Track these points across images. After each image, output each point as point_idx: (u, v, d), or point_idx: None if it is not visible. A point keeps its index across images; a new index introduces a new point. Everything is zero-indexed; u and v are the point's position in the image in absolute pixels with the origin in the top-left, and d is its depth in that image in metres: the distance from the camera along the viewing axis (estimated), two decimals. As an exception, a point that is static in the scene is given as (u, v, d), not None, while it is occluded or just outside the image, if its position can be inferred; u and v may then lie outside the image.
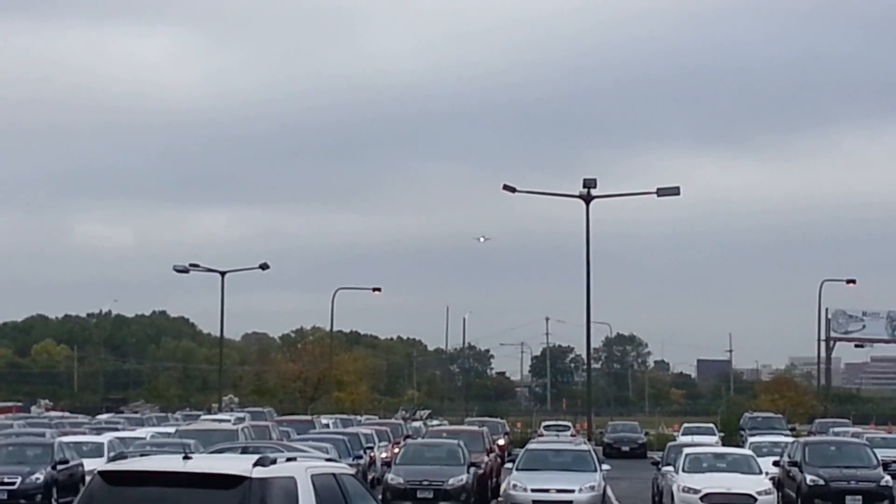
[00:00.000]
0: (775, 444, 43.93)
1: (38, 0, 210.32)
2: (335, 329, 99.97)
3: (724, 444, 54.86)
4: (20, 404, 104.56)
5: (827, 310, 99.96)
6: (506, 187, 52.30)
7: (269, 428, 47.01)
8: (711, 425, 69.69)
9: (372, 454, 43.20)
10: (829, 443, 39.77)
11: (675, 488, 31.76)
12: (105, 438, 42.66)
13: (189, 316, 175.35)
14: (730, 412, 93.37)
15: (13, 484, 33.28)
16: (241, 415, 69.68)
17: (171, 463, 12.28)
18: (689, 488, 31.14)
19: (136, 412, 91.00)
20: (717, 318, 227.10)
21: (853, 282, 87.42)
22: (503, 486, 35.08)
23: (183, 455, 12.48)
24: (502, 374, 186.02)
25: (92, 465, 36.52)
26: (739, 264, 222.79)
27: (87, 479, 35.24)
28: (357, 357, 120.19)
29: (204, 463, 12.40)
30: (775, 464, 36.47)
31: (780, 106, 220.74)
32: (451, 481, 33.03)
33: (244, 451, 26.44)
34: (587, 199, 50.26)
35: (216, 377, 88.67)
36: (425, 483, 32.99)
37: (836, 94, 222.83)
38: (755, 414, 73.11)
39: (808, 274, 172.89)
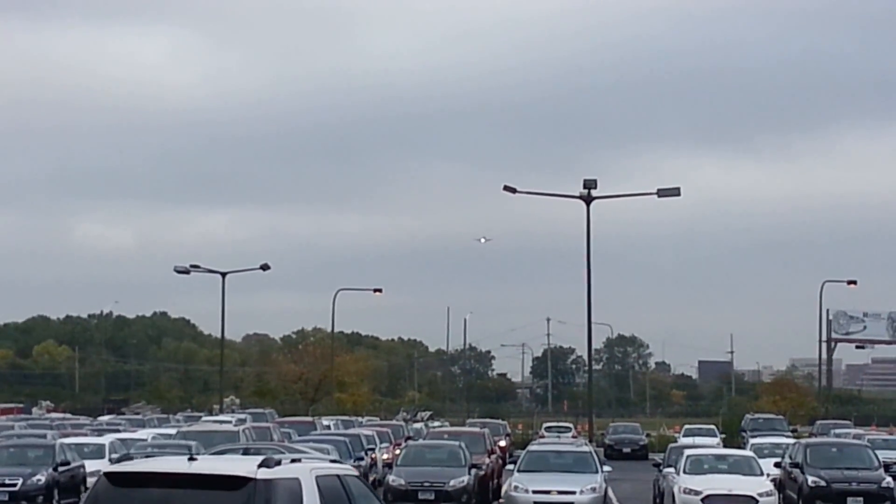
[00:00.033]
0: (776, 445, 43.96)
1: (38, 0, 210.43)
2: (336, 330, 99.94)
3: (725, 446, 54.91)
4: (21, 405, 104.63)
5: (828, 311, 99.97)
6: (506, 188, 52.35)
7: (271, 429, 47.04)
8: (713, 427, 69.66)
9: (373, 455, 43.19)
10: (830, 444, 39.79)
11: (676, 490, 31.77)
12: (106, 440, 42.72)
13: (190, 317, 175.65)
14: (731, 413, 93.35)
15: (14, 485, 33.26)
16: (242, 416, 69.69)
17: (176, 464, 12.34)
18: (691, 490, 31.15)
19: (137, 413, 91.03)
20: (718, 320, 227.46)
21: (854, 283, 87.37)
22: (504, 488, 35.08)
23: (188, 456, 12.55)
24: (503, 375, 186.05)
25: (93, 466, 36.63)
26: (740, 265, 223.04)
27: (89, 480, 35.41)
28: (358, 358, 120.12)
29: (209, 464, 12.45)
30: (776, 465, 36.49)
31: (780, 106, 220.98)
32: (452, 483, 33.05)
33: (245, 452, 26.44)
34: (588, 199, 50.30)
35: (217, 378, 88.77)
36: (426, 484, 33.01)
37: (836, 94, 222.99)
38: (756, 415, 73.10)
39: (809, 275, 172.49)
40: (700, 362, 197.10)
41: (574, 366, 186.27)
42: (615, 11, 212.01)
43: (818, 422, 72.98)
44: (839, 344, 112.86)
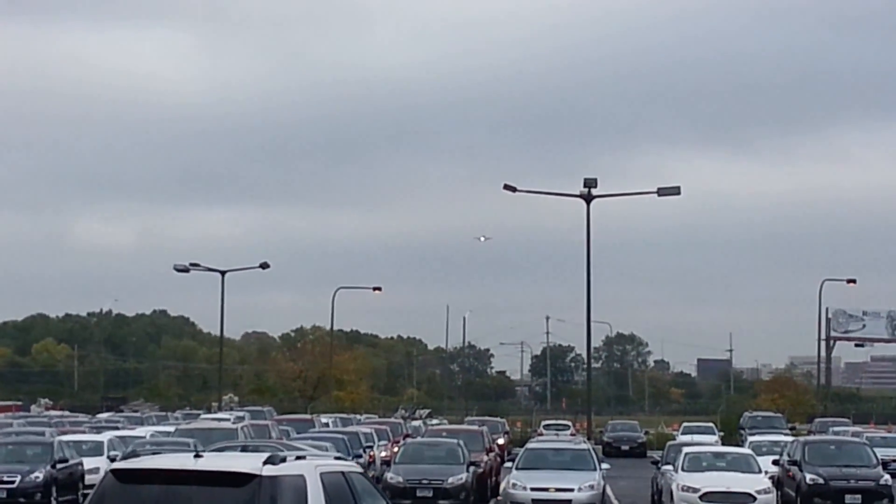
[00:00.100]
0: (775, 443, 43.99)
1: (39, 0, 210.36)
2: (335, 328, 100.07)
3: (723, 444, 54.90)
4: (20, 403, 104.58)
5: (827, 309, 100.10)
6: (506, 187, 52.33)
7: (269, 427, 47.03)
8: (711, 424, 69.69)
9: (371, 453, 43.19)
10: (828, 442, 39.83)
11: (674, 487, 31.80)
12: (105, 437, 42.70)
13: (189, 315, 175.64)
14: (729, 411, 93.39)
15: (13, 483, 33.27)
16: (241, 414, 69.67)
17: (182, 461, 12.40)
18: (689, 487, 31.18)
19: (135, 411, 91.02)
20: (717, 318, 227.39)
21: (853, 281, 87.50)
22: (503, 485, 35.11)
23: (194, 453, 12.60)
24: (502, 373, 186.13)
25: (91, 463, 36.68)
26: (739, 264, 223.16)
27: (87, 477, 35.42)
28: (357, 356, 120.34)
29: (215, 461, 12.48)
30: (775, 463, 36.51)
31: (779, 106, 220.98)
32: (450, 480, 33.04)
33: (244, 450, 26.45)
34: (587, 198, 50.31)
35: (216, 376, 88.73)
36: (425, 482, 33.01)
37: (836, 94, 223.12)
38: (755, 413, 73.19)
39: (809, 273, 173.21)
40: (699, 360, 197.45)
41: (573, 364, 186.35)
42: (615, 9, 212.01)
43: (816, 420, 73.08)
44: (838, 342, 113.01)
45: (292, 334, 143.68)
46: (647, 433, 74.94)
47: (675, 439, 53.15)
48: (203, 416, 70.35)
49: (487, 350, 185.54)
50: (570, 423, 79.56)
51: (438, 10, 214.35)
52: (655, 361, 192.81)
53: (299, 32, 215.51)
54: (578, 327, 58.63)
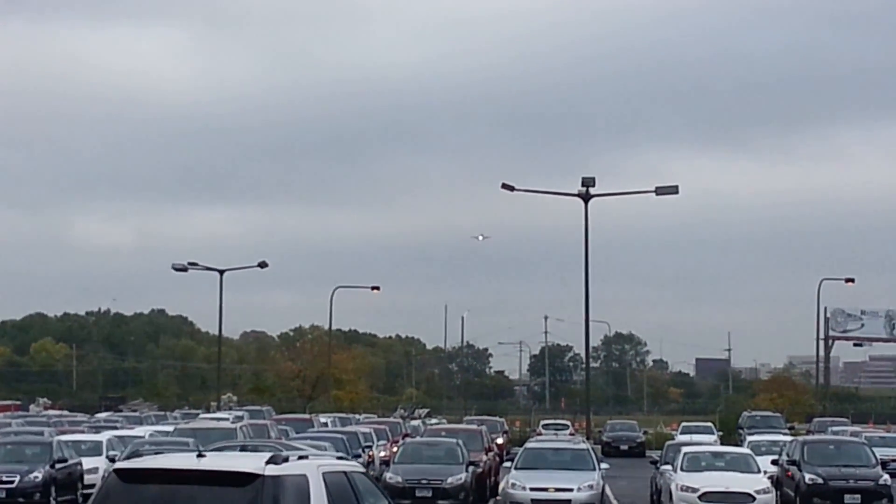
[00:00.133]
0: (774, 442, 43.98)
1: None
2: (334, 328, 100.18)
3: (722, 443, 54.90)
4: (19, 403, 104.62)
5: (826, 308, 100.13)
6: (505, 186, 52.32)
7: (268, 426, 46.99)
8: (710, 424, 69.71)
9: (370, 453, 43.18)
10: (827, 442, 39.83)
11: (673, 487, 31.80)
12: (104, 437, 42.67)
13: (188, 314, 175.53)
14: (728, 411, 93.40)
15: (12, 482, 33.25)
16: (240, 413, 69.67)
17: (185, 461, 12.44)
18: (688, 487, 31.18)
19: (134, 411, 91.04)
20: (715, 317, 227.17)
21: (852, 280, 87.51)
22: (502, 485, 35.12)
23: (196, 453, 12.63)
24: (501, 372, 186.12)
25: (90, 463, 36.68)
26: (738, 263, 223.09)
27: (86, 477, 35.38)
28: (356, 356, 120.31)
29: (218, 461, 12.54)
30: (774, 462, 36.51)
31: (779, 105, 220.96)
32: (449, 480, 33.03)
33: (243, 449, 26.45)
34: (586, 197, 50.32)
35: (215, 376, 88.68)
36: (424, 482, 32.99)
37: (836, 93, 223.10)
38: (754, 413, 73.15)
39: (807, 273, 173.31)
40: (697, 360, 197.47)
41: (572, 363, 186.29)
42: (614, 8, 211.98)
43: (815, 419, 73.09)
44: (837, 342, 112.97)
45: (291, 334, 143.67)
46: (645, 433, 74.96)
47: (673, 439, 53.17)
48: (202, 415, 70.35)
49: (486, 349, 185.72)
50: (569, 423, 79.60)
51: (438, 10, 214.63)
52: (654, 361, 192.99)
53: (299, 32, 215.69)
54: (577, 327, 58.73)
